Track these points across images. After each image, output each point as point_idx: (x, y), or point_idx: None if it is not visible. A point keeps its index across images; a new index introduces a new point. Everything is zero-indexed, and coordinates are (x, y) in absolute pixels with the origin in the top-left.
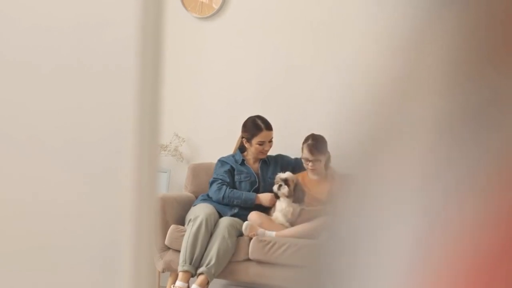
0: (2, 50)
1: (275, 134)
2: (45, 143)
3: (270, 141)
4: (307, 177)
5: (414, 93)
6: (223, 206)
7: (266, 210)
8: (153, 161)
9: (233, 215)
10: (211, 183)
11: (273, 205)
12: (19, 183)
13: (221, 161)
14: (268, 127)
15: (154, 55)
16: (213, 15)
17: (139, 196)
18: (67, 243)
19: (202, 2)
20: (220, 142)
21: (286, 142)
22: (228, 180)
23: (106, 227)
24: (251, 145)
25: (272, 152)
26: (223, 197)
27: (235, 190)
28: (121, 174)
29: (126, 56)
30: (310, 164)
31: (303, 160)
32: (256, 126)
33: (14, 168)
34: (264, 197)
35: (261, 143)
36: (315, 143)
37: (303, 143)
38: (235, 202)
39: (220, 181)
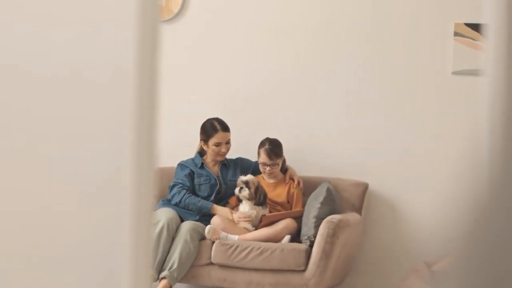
0: None
1: (238, 138)
2: (43, 154)
3: (228, 143)
4: (264, 181)
5: None
6: (185, 210)
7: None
8: (151, 171)
9: (195, 220)
10: (172, 187)
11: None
12: (18, 195)
13: (181, 165)
14: (225, 128)
15: (152, 62)
16: (172, 18)
17: (137, 206)
18: (67, 254)
19: (161, 5)
20: (181, 147)
21: (248, 146)
22: (188, 184)
23: (105, 237)
24: (208, 146)
25: (235, 155)
26: (180, 201)
27: (192, 196)
28: (120, 184)
29: (124, 64)
30: (268, 168)
31: (260, 165)
32: (212, 128)
33: (12, 180)
34: (223, 212)
35: (217, 144)
36: (273, 147)
37: (260, 147)
38: (190, 208)
39: (180, 185)
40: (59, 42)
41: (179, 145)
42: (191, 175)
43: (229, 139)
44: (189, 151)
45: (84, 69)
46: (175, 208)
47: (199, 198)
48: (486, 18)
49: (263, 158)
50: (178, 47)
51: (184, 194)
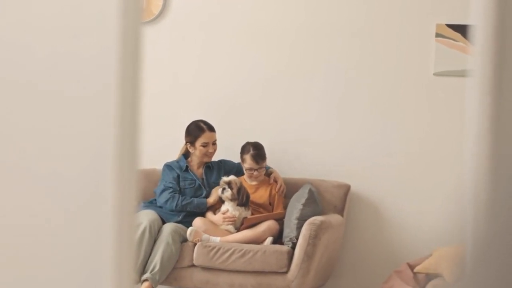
0: None
1: (222, 141)
2: (25, 166)
3: (214, 143)
4: (245, 182)
5: None
6: (167, 212)
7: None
8: (133, 184)
9: (177, 222)
10: (162, 191)
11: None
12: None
13: (168, 167)
14: (210, 128)
15: (134, 70)
16: (153, 20)
17: (120, 222)
18: (51, 265)
19: (143, 9)
20: (162, 149)
21: (233, 149)
22: (178, 188)
23: (87, 251)
24: (195, 148)
25: (219, 158)
26: (176, 205)
27: (186, 197)
28: (102, 196)
29: (106, 72)
30: (255, 172)
31: (246, 170)
32: (198, 128)
33: None
34: (212, 198)
35: (205, 145)
36: (257, 151)
37: (244, 153)
38: (188, 209)
39: (171, 189)
40: (39, 52)
41: (163, 147)
42: (178, 178)
43: (216, 140)
44: (170, 154)
45: (64, 77)
46: (156, 210)
47: (192, 198)
48: (474, 20)
49: (250, 163)
50: (158, 50)
51: (179, 198)
